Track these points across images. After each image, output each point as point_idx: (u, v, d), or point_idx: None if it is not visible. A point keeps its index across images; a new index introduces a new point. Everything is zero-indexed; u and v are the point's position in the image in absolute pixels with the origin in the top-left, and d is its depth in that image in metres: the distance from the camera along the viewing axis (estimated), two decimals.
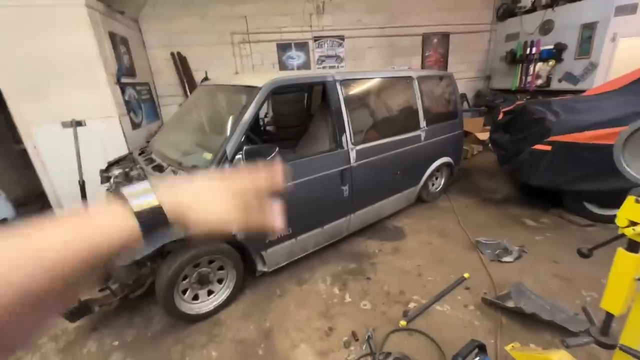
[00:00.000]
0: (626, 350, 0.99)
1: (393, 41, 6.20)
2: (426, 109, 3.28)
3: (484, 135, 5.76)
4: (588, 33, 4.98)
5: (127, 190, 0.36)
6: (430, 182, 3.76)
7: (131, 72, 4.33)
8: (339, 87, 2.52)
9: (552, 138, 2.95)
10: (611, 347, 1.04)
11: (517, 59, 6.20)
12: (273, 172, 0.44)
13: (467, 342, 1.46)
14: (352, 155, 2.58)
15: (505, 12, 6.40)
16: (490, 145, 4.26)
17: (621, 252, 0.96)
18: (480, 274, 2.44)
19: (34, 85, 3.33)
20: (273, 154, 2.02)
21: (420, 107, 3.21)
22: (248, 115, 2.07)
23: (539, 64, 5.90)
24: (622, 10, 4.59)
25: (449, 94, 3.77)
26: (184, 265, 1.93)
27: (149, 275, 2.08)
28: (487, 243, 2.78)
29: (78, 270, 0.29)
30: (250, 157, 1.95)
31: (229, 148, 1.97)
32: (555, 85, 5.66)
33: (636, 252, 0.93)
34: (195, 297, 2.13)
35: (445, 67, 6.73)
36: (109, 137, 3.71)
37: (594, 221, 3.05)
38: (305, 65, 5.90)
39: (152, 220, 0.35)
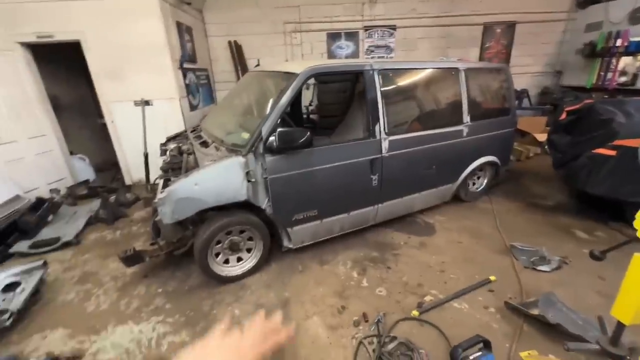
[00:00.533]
0: None
1: (449, 31, 5.86)
2: (472, 104, 3.11)
3: (543, 137, 5.22)
4: None
5: None
6: (471, 181, 3.58)
7: (193, 59, 4.78)
8: (376, 76, 2.53)
9: (617, 142, 2.62)
10: (620, 358, 0.98)
11: (597, 52, 5.44)
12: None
13: (472, 337, 1.45)
14: (384, 145, 2.60)
15: None
16: (547, 146, 3.88)
17: (638, 258, 0.89)
18: (509, 279, 2.31)
19: (114, 67, 3.89)
20: (304, 138, 2.15)
21: (465, 101, 3.06)
22: (285, 99, 2.21)
23: (624, 59, 5.11)
24: None
25: (501, 88, 3.51)
26: (217, 231, 2.17)
27: (190, 237, 2.38)
28: (523, 249, 2.60)
29: None
30: (283, 139, 2.09)
31: (265, 129, 2.13)
32: None
33: None
34: (226, 261, 2.38)
35: (508, 60, 6.18)
36: (170, 116, 4.19)
37: None
38: (354, 55, 5.89)
39: None
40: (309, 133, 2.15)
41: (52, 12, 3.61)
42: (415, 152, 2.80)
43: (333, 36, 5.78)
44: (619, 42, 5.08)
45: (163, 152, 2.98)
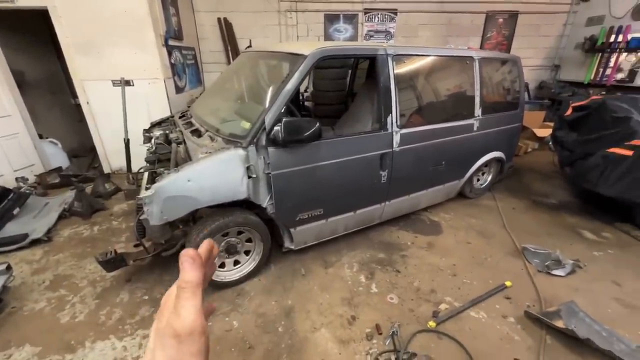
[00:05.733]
0: None
1: (451, 18, 5.62)
2: (484, 96, 2.93)
3: (542, 132, 5.18)
4: None
5: None
6: (476, 178, 3.45)
7: (179, 36, 4.34)
8: (390, 62, 2.29)
9: (635, 142, 2.52)
10: None
11: (596, 48, 5.38)
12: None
13: None
14: (396, 139, 2.39)
15: None
16: (552, 143, 3.80)
17: None
18: (524, 285, 2.20)
19: (88, 41, 3.44)
20: (313, 129, 1.90)
21: (478, 93, 2.88)
22: (290, 85, 1.94)
23: (624, 55, 5.07)
24: None
25: (512, 81, 3.34)
26: (213, 232, 1.92)
27: (181, 237, 2.12)
28: (536, 251, 2.50)
29: None
30: (290, 129, 1.84)
31: (268, 118, 1.87)
32: None
33: None
34: (222, 265, 2.14)
35: (508, 52, 6.03)
36: (153, 99, 3.80)
37: None
38: (352, 39, 5.57)
39: None
40: (318, 124, 1.91)
41: None
42: (426, 147, 2.60)
43: (331, 18, 5.42)
44: (620, 38, 5.02)
45: (147, 140, 2.65)
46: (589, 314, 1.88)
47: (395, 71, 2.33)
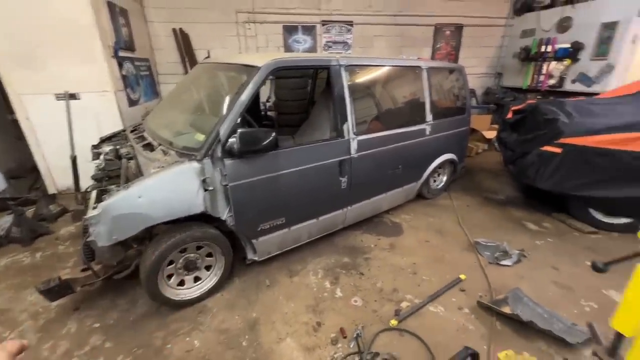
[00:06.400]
0: None
1: (403, 30, 5.98)
2: (434, 102, 3.14)
3: (490, 134, 5.62)
4: (608, 33, 4.76)
5: None
6: (432, 179, 3.66)
7: (130, 46, 4.17)
8: (343, 72, 2.38)
9: (563, 140, 2.83)
10: None
11: (530, 57, 5.98)
12: None
13: (460, 350, 1.39)
14: (353, 145, 2.47)
15: (523, 7, 6.14)
16: (496, 144, 4.13)
17: None
18: (478, 276, 2.36)
19: (26, 52, 3.19)
20: (270, 139, 1.92)
21: (428, 100, 3.08)
22: (245, 96, 1.95)
23: (553, 63, 5.69)
24: None
25: (458, 88, 3.62)
26: (169, 250, 1.84)
27: (135, 257, 2.01)
28: (487, 245, 2.70)
29: None
30: (246, 140, 1.84)
31: (223, 130, 1.85)
32: (568, 86, 5.46)
33: None
34: (181, 283, 2.06)
35: (456, 61, 6.51)
36: (103, 113, 3.59)
37: (598, 229, 2.96)
38: (312, 50, 5.70)
39: None
40: (274, 133, 1.92)
41: None
42: (382, 152, 2.72)
43: (290, 29, 5.52)
44: (549, 48, 5.64)
45: (96, 156, 2.50)
46: (532, 298, 2.06)
47: (349, 81, 2.43)
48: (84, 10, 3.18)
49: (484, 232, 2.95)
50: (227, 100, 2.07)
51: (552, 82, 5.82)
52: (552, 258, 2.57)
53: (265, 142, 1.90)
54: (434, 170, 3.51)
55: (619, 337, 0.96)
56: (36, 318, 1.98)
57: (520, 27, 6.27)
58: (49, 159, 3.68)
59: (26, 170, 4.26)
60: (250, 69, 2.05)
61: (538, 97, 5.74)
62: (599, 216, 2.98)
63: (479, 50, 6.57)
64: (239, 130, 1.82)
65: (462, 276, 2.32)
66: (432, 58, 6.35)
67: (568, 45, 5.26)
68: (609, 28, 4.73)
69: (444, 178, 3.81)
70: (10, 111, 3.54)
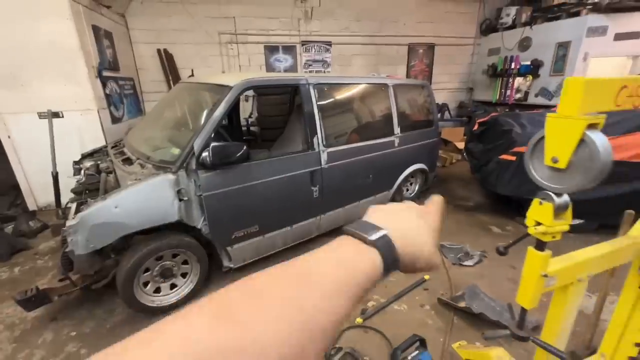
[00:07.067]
0: (535, 341, 1.07)
1: (379, 49, 6.35)
2: (401, 116, 3.38)
3: (462, 145, 5.93)
4: (562, 51, 5.21)
5: (360, 226, 0.36)
6: (405, 188, 3.86)
7: (114, 67, 4.33)
8: (312, 90, 2.59)
9: (516, 149, 3.09)
10: (524, 339, 1.13)
11: (497, 73, 6.43)
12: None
13: (409, 337, 1.53)
14: (323, 157, 2.65)
15: (488, 28, 6.64)
16: (465, 154, 4.40)
17: (530, 251, 1.04)
18: (441, 276, 2.52)
19: (9, 73, 3.31)
20: (241, 152, 2.08)
21: (395, 114, 3.31)
22: (218, 113, 2.12)
23: (518, 79, 6.13)
24: (593, 32, 4.84)
25: (425, 103, 3.89)
26: (144, 258, 1.95)
27: (113, 266, 2.10)
28: (451, 247, 2.88)
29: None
30: (217, 154, 1.99)
31: (197, 144, 2.01)
32: (532, 99, 5.88)
33: (542, 250, 1.02)
34: (157, 290, 2.15)
35: (430, 78, 6.92)
36: (87, 130, 3.70)
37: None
38: (292, 69, 5.99)
39: (390, 254, 0.34)
40: (245, 147, 2.09)
41: None
42: (352, 163, 2.91)
43: (271, 49, 5.80)
44: (513, 65, 6.09)
45: (77, 172, 2.60)
46: (488, 294, 2.22)
47: (318, 98, 2.64)
48: (69, 34, 3.35)
49: (451, 236, 3.14)
50: (202, 116, 2.24)
51: (518, 96, 6.25)
52: (511, 258, 2.75)
53: (236, 155, 2.06)
54: (406, 180, 3.72)
55: (524, 310, 1.13)
56: (12, 329, 2.02)
57: (487, 46, 6.75)
58: (30, 176, 3.74)
59: (7, 188, 4.27)
60: (222, 89, 2.23)
61: (506, 110, 6.14)
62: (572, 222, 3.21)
63: (451, 67, 7.00)
64: (212, 144, 1.98)
65: (426, 276, 2.48)
66: (407, 75, 6.73)
67: (529, 63, 5.70)
68: (563, 47, 5.19)
69: (416, 187, 4.02)
70: None
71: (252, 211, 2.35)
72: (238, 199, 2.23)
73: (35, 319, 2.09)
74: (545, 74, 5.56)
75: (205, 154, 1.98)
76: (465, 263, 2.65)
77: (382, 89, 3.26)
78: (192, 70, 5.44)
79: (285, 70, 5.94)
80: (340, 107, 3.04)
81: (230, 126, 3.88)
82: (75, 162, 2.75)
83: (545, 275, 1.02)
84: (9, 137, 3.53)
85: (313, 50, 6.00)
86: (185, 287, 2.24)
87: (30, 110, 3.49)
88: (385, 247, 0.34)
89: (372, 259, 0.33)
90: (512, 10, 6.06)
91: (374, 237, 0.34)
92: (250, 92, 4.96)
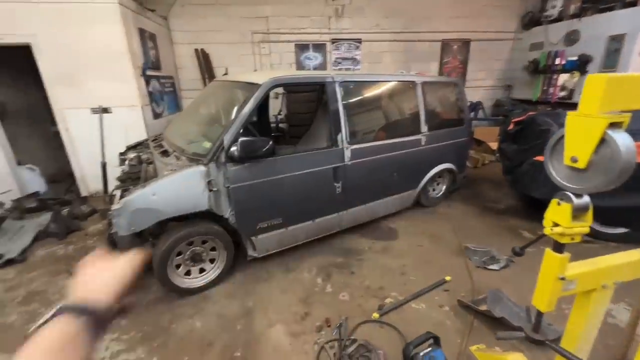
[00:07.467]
0: (552, 346, 1.05)
1: (410, 46, 6.22)
2: (429, 114, 3.32)
3: (496, 145, 5.65)
4: (615, 45, 4.77)
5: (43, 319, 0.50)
6: (431, 188, 3.79)
7: (157, 66, 4.66)
8: (337, 88, 2.64)
9: None
10: (539, 342, 1.10)
11: (540, 69, 6.01)
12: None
13: (422, 333, 1.54)
14: (347, 154, 2.69)
15: (531, 21, 6.23)
16: (498, 154, 4.21)
17: (548, 252, 1.02)
18: (463, 279, 2.47)
19: (69, 73, 3.71)
20: (267, 147, 2.19)
21: (423, 112, 3.26)
22: (247, 109, 2.24)
23: (563, 75, 5.70)
24: None
25: (455, 101, 3.78)
26: (177, 242, 2.13)
27: (150, 249, 2.30)
28: (476, 250, 2.79)
29: None
30: (245, 148, 2.11)
31: (227, 139, 2.14)
32: (577, 98, 5.41)
33: (560, 252, 0.99)
34: (188, 273, 2.33)
35: (464, 75, 6.65)
36: (131, 124, 4.04)
37: (594, 238, 2.97)
38: (322, 66, 6.05)
39: (69, 306, 0.45)
40: (271, 142, 2.19)
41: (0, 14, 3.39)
42: (376, 160, 2.92)
43: (301, 47, 5.91)
44: (557, 61, 5.67)
45: (122, 162, 2.87)
46: (513, 300, 2.15)
47: (343, 95, 2.68)
48: (118, 37, 3.68)
49: (477, 238, 3.04)
50: (232, 112, 2.38)
51: (562, 93, 5.81)
52: (540, 264, 2.62)
53: (262, 150, 2.17)
54: (433, 179, 3.65)
55: (539, 313, 1.11)
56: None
57: (528, 41, 6.34)
58: (83, 166, 4.16)
59: (64, 175, 4.79)
60: (252, 86, 2.35)
61: (548, 109, 5.73)
62: (595, 225, 2.99)
63: (488, 63, 6.67)
64: (240, 139, 2.10)
65: (447, 277, 2.44)
66: (440, 72, 6.52)
67: (576, 58, 5.29)
68: (617, 40, 4.74)
69: (443, 187, 3.92)
70: (54, 124, 4.06)
71: (276, 204, 2.45)
72: (263, 191, 2.34)
73: None
74: (594, 70, 5.11)
75: (234, 147, 2.11)
76: (491, 267, 2.57)
77: (410, 87, 3.22)
78: (226, 69, 5.70)
79: (315, 68, 6.01)
80: (366, 105, 3.05)
81: (259, 122, 4.03)
82: (121, 154, 3.03)
83: (563, 278, 0.99)
84: (66, 130, 3.95)
85: (343, 47, 6.01)
86: (212, 272, 2.40)
87: (85, 106, 3.88)
88: (64, 307, 0.45)
89: (53, 324, 0.42)
90: (559, 2, 5.63)
91: (47, 317, 0.47)
92: (280, 90, 5.11)
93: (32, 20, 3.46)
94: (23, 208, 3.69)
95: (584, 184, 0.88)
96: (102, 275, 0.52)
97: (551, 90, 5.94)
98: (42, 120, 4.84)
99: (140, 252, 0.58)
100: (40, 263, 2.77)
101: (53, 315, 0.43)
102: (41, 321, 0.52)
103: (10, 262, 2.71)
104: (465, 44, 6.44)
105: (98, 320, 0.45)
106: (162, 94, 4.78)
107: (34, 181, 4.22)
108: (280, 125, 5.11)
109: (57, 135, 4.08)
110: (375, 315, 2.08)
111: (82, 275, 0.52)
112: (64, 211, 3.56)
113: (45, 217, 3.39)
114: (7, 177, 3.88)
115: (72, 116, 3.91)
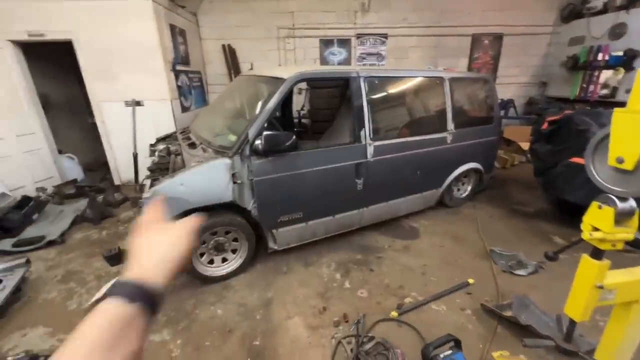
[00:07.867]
0: (585, 358, 0.99)
1: (439, 41, 6.01)
2: (456, 112, 3.21)
3: (528, 146, 5.37)
4: None
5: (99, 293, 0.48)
6: (455, 187, 3.67)
7: (186, 61, 4.82)
8: (362, 83, 2.61)
9: None
10: (571, 353, 1.05)
11: (579, 65, 5.63)
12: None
13: (443, 335, 1.50)
14: (369, 150, 2.66)
15: (571, 13, 5.83)
16: (529, 155, 4.00)
17: (585, 259, 0.96)
18: (487, 282, 2.38)
19: (105, 67, 3.91)
20: (290, 141, 2.21)
21: (450, 109, 3.16)
22: (272, 103, 2.27)
23: (606, 72, 5.31)
24: None
25: (485, 98, 3.62)
26: (202, 230, 2.20)
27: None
28: (502, 253, 2.68)
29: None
30: (269, 142, 2.14)
31: (251, 132, 2.18)
32: (621, 96, 5.05)
33: (599, 259, 0.93)
34: (211, 262, 2.41)
35: (495, 71, 6.35)
36: (161, 117, 4.21)
37: (637, 247, 2.76)
38: (346, 62, 5.99)
39: (124, 287, 0.39)
40: (294, 137, 2.21)
41: (44, 11, 3.62)
42: (399, 158, 2.87)
43: (326, 43, 5.88)
44: (600, 56, 5.28)
45: (152, 153, 3.00)
46: (541, 308, 2.05)
47: (367, 90, 2.64)
48: (151, 33, 3.83)
49: (503, 242, 2.92)
50: (257, 107, 2.42)
51: (604, 92, 5.42)
52: (572, 272, 2.48)
53: (286, 144, 2.19)
54: (458, 179, 3.54)
55: (572, 323, 1.05)
56: (100, 279, 2.46)
57: (568, 35, 5.94)
58: (116, 156, 4.39)
59: (99, 164, 5.09)
60: (277, 81, 2.37)
61: (587, 108, 5.37)
62: (637, 234, 2.78)
63: (522, 59, 6.33)
64: (264, 133, 2.14)
65: (471, 280, 2.37)
66: (469, 68, 6.27)
67: (621, 53, 4.90)
68: None
69: (469, 187, 3.79)
70: (91, 115, 4.31)
71: (297, 198, 2.47)
72: (285, 185, 2.37)
73: (116, 273, 2.51)
74: None
75: (258, 141, 2.15)
76: (517, 272, 2.46)
77: (437, 83, 3.12)
78: (252, 64, 5.78)
79: (339, 64, 5.97)
80: (391, 101, 2.99)
81: (282, 118, 4.07)
82: (151, 145, 3.17)
83: (601, 287, 0.93)
84: (102, 121, 4.18)
85: (368, 43, 5.92)
86: (234, 262, 2.47)
87: (119, 99, 4.08)
88: (118, 288, 0.38)
89: (105, 308, 0.36)
90: None
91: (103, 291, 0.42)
92: (304, 85, 5.12)
93: (72, 17, 3.68)
94: (63, 194, 3.96)
95: (630, 187, 0.81)
96: (159, 247, 0.46)
97: (591, 87, 5.55)
98: (80, 112, 5.16)
99: (197, 217, 0.52)
100: (77, 245, 2.96)
101: (109, 292, 0.38)
102: (98, 296, 0.52)
103: (51, 243, 2.92)
104: (498, 38, 6.14)
105: (153, 304, 0.40)
106: (190, 88, 4.93)
107: (73, 169, 4.52)
108: (303, 120, 5.13)
109: (94, 126, 4.34)
110: (394, 314, 2.05)
111: (139, 245, 0.46)
112: (99, 198, 3.78)
113: (82, 203, 3.62)
114: (50, 165, 4.18)
115: (107, 108, 4.13)
